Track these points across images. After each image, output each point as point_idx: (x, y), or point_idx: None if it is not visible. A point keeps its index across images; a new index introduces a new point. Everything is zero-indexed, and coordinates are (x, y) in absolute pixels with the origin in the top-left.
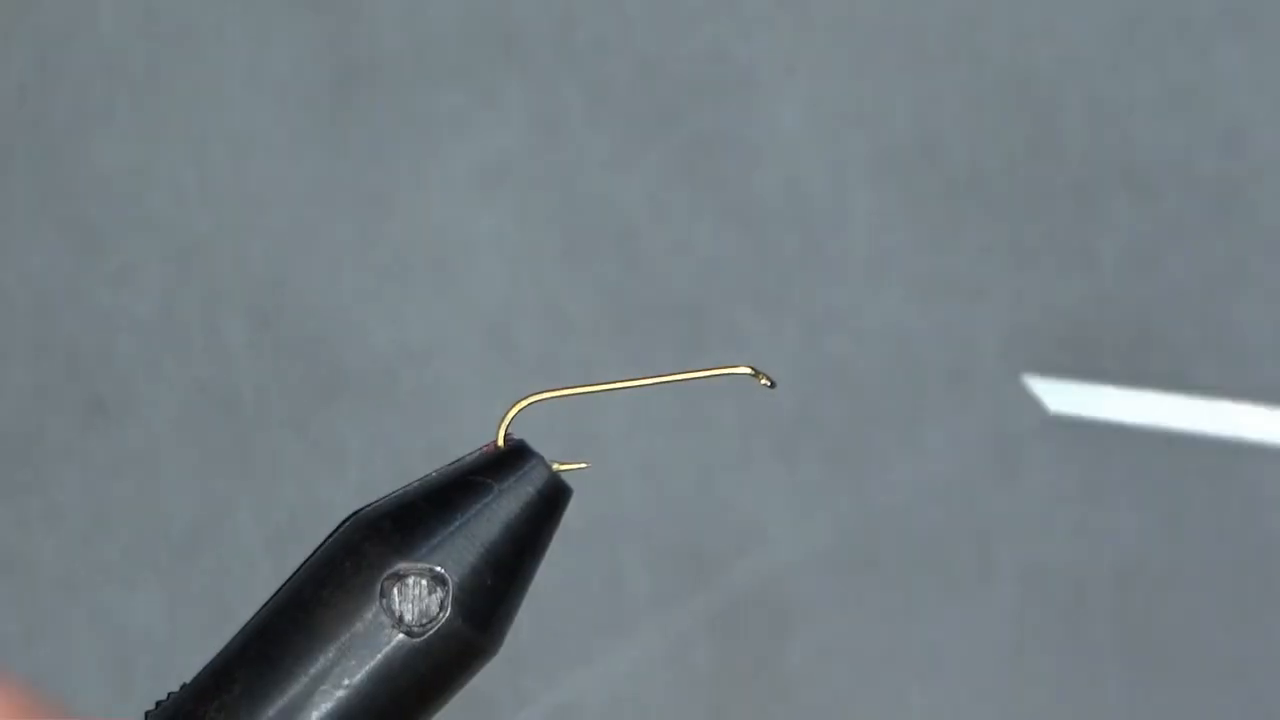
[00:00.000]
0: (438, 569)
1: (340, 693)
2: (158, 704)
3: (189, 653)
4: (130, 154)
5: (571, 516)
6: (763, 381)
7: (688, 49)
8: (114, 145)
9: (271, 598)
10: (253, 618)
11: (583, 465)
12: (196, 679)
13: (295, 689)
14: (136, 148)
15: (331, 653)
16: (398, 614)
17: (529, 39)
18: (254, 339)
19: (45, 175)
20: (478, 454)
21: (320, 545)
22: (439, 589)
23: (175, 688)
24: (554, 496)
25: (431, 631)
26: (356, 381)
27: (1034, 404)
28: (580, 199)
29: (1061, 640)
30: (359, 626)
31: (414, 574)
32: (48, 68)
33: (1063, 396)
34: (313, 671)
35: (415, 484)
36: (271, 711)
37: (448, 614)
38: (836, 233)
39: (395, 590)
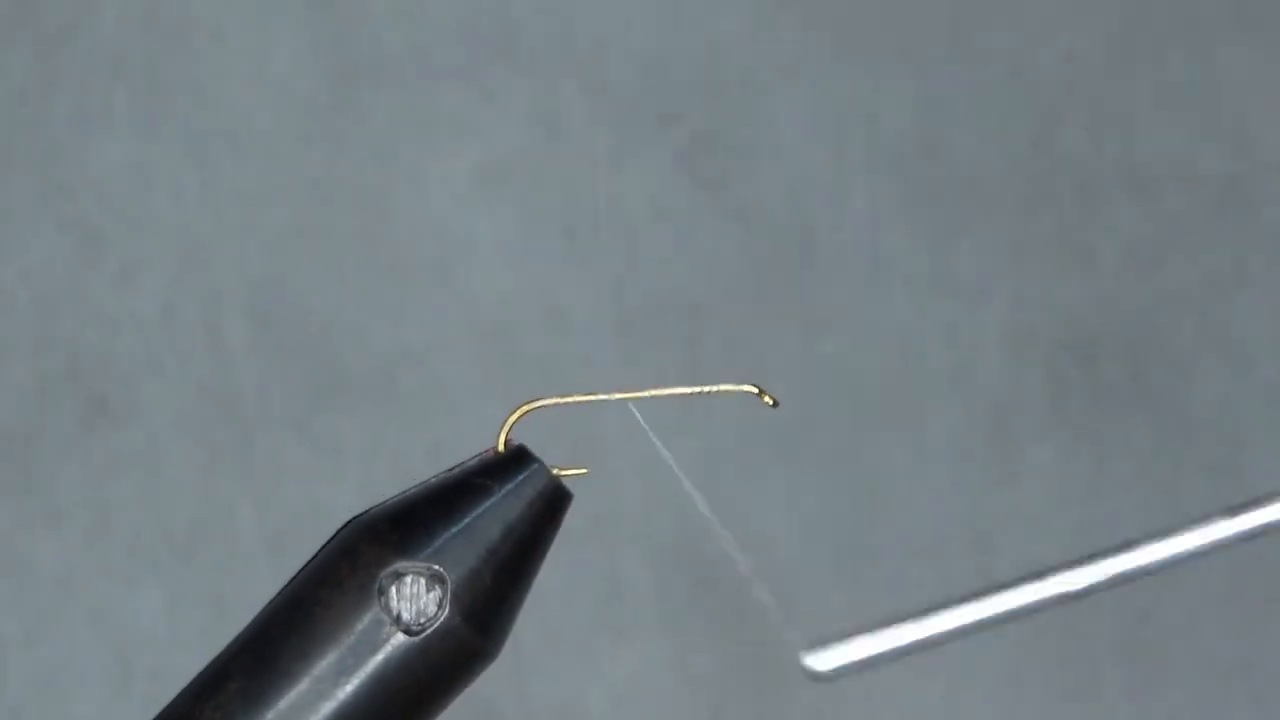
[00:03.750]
0: (436, 568)
1: (339, 692)
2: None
3: (189, 653)
4: (130, 154)
5: (571, 518)
6: (766, 400)
7: (688, 49)
8: (114, 145)
9: (270, 601)
10: (251, 621)
11: (581, 471)
12: (195, 680)
13: (293, 689)
14: (136, 147)
15: (329, 652)
16: (395, 612)
17: (529, 38)
18: (254, 339)
19: (45, 175)
20: (478, 459)
21: (320, 550)
22: (437, 588)
23: (175, 688)
24: (554, 500)
25: (429, 630)
26: (357, 381)
27: (1034, 403)
28: (581, 198)
29: (1060, 640)
30: (357, 625)
31: (412, 573)
32: (48, 68)
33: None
34: (310, 671)
35: (415, 488)
36: (269, 712)
37: (446, 613)
38: (837, 232)
39: (393, 589)
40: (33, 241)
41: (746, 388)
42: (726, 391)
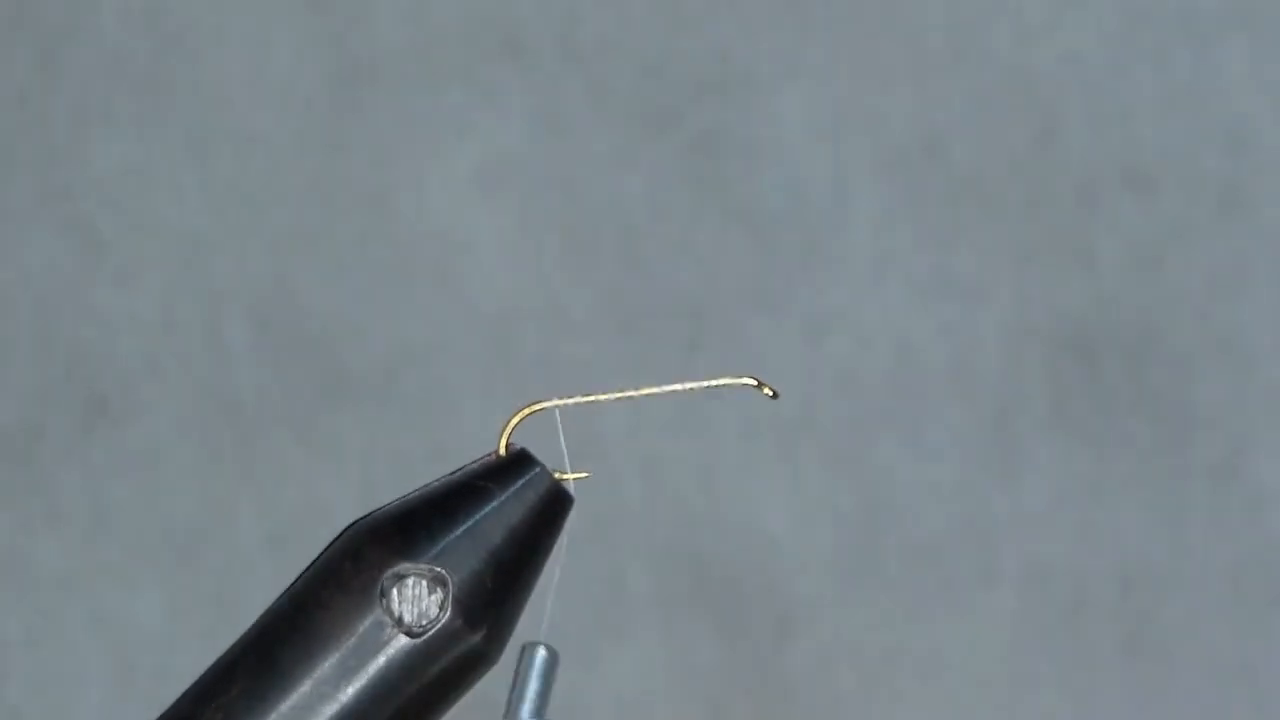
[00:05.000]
0: (438, 570)
1: (341, 694)
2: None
3: (189, 653)
4: (130, 154)
5: (572, 518)
6: (766, 392)
7: (688, 49)
8: (114, 145)
9: (273, 603)
10: (254, 623)
11: (584, 474)
12: (197, 682)
13: (295, 690)
14: (136, 148)
15: (332, 654)
16: (397, 614)
17: (530, 38)
18: (255, 339)
19: (45, 175)
20: (479, 462)
21: (322, 552)
22: (439, 590)
23: (175, 688)
24: (556, 504)
25: (431, 632)
26: (357, 382)
27: (1034, 403)
28: (581, 199)
29: (1062, 641)
30: (359, 627)
31: (414, 575)
32: (48, 68)
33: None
34: (313, 673)
35: (417, 491)
36: (272, 714)
37: (447, 615)
38: (838, 233)
39: (395, 591)
40: (33, 242)
41: (745, 380)
42: (725, 385)
